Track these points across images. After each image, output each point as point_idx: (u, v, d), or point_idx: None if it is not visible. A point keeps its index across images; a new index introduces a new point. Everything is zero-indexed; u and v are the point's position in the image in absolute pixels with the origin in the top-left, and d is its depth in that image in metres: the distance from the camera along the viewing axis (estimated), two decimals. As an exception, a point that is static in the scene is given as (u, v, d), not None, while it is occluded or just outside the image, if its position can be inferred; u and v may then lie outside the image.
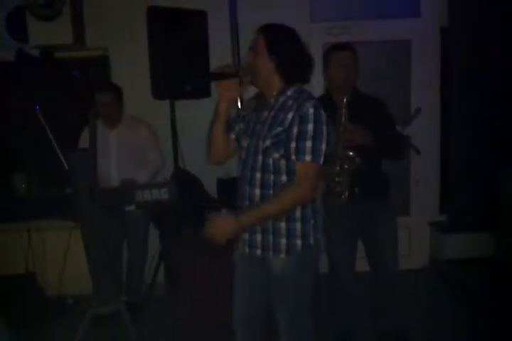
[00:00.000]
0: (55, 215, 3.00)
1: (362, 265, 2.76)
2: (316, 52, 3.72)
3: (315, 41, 3.73)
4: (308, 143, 1.77)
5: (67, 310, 3.44)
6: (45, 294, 3.48)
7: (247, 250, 1.96)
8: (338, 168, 2.45)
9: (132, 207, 2.84)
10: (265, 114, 1.90)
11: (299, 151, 1.78)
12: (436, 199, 3.90)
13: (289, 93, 1.88)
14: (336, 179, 2.46)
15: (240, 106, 2.11)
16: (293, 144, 1.79)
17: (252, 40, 1.90)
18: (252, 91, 2.01)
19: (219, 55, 3.35)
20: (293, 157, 1.80)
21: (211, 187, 3.48)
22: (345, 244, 2.64)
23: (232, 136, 2.06)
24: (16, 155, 3.79)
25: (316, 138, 1.77)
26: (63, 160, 2.76)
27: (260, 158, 1.86)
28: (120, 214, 3.18)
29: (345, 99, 2.40)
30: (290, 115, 1.81)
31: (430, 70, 3.77)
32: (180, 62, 3.00)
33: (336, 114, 2.41)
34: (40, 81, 3.72)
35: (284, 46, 1.83)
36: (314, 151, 1.78)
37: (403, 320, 2.69)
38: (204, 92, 3.08)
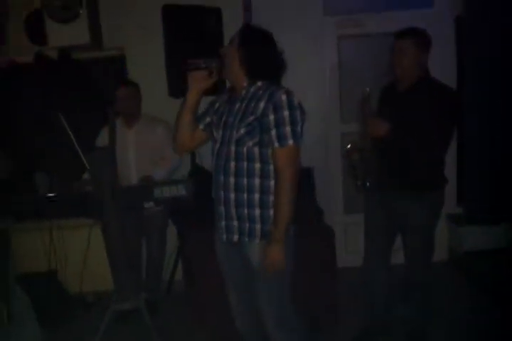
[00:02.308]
0: (76, 213, 3.04)
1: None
2: (330, 45, 3.80)
3: (328, 34, 3.75)
4: (288, 128, 1.86)
5: (88, 307, 3.50)
6: (67, 291, 3.54)
7: (224, 236, 2.03)
8: (355, 159, 2.44)
9: (151, 204, 2.87)
10: (237, 105, 1.98)
11: (281, 137, 1.87)
12: (453, 191, 3.85)
13: (259, 84, 1.96)
14: (353, 171, 2.46)
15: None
16: (273, 132, 1.87)
17: (233, 35, 2.00)
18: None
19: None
20: (276, 144, 1.87)
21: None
22: (376, 238, 2.63)
23: (201, 126, 2.13)
24: (38, 155, 3.86)
25: (293, 122, 1.86)
26: (84, 159, 2.80)
27: (233, 148, 1.94)
28: (139, 211, 3.21)
29: (367, 91, 2.38)
30: (262, 104, 1.89)
31: (446, 60, 3.72)
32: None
33: (393, 99, 2.43)
34: (58, 82, 3.79)
35: (252, 46, 1.93)
36: (294, 135, 1.87)
37: (423, 312, 2.67)
38: (219, 89, 3.09)
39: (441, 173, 2.54)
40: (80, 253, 3.36)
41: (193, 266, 3.06)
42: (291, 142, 1.87)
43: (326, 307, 2.90)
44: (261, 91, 1.93)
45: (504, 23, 3.49)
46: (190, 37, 3.07)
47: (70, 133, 3.03)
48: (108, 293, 2.97)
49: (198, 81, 2.00)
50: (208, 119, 2.13)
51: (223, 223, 2.02)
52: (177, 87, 3.14)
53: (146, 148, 3.25)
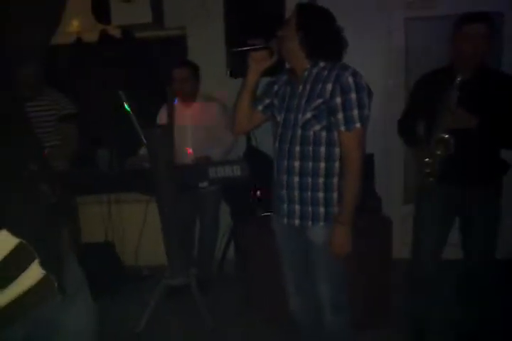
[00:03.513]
0: (134, 189, 3.13)
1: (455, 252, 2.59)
2: (397, 28, 3.64)
3: (396, 15, 3.59)
4: (355, 112, 1.82)
5: (142, 280, 3.61)
6: (122, 263, 3.67)
7: (285, 220, 2.02)
8: (430, 149, 2.34)
9: (205, 184, 2.91)
10: (300, 87, 1.94)
11: (348, 120, 1.83)
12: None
13: (321, 65, 1.91)
14: (427, 159, 2.36)
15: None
16: (340, 115, 1.84)
17: (289, 15, 1.96)
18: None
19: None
20: (342, 127, 1.84)
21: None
22: (432, 231, 2.51)
23: (260, 108, 2.11)
24: (99, 132, 3.98)
25: (360, 106, 1.82)
26: (142, 137, 2.86)
27: (299, 131, 1.91)
28: (193, 190, 3.25)
29: (459, 79, 2.23)
30: (329, 86, 1.84)
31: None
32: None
33: (447, 89, 2.27)
34: (121, 60, 3.86)
35: (311, 25, 1.87)
36: (361, 118, 1.83)
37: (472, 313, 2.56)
38: (279, 69, 3.05)
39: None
40: (136, 227, 3.46)
41: (245, 246, 3.08)
42: (358, 125, 1.83)
43: (378, 299, 2.84)
44: (326, 72, 1.88)
45: None
46: (250, 18, 3.04)
47: (131, 110, 3.10)
48: (163, 267, 3.04)
49: (258, 61, 1.98)
50: (267, 101, 2.11)
51: (285, 206, 2.01)
52: (236, 68, 3.13)
53: (202, 127, 3.28)
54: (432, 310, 2.61)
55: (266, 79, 2.16)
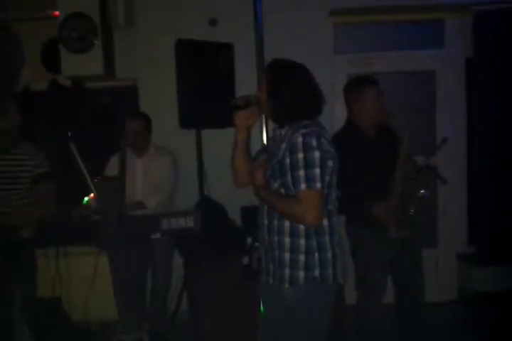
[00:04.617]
0: (81, 242, 3.06)
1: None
2: (341, 84, 3.82)
3: (339, 73, 3.81)
4: (301, 172, 1.80)
5: (91, 336, 3.47)
6: (71, 319, 3.51)
7: (264, 278, 2.03)
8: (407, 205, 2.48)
9: (158, 235, 2.88)
10: (272, 145, 2.02)
11: (295, 181, 1.83)
12: (463, 230, 3.86)
13: (290, 125, 1.93)
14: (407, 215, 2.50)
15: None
16: (288, 176, 1.85)
17: (262, 76, 2.01)
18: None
19: (245, 85, 3.43)
20: (292, 189, 1.85)
21: (236, 215, 3.51)
22: (383, 277, 2.64)
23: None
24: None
25: (307, 165, 1.80)
26: (92, 188, 2.82)
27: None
28: (145, 242, 3.22)
29: (406, 135, 2.43)
30: (283, 146, 1.88)
31: (455, 100, 3.78)
32: (207, 92, 3.08)
33: (363, 146, 2.46)
34: (71, 110, 3.85)
35: (280, 94, 1.89)
36: (308, 179, 1.80)
37: None
38: (229, 121, 3.14)
39: None
40: (85, 281, 3.35)
41: (199, 297, 3.05)
42: (303, 186, 1.80)
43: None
44: (289, 132, 1.91)
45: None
46: (202, 70, 3.14)
47: (80, 161, 3.07)
48: (112, 322, 2.94)
49: (243, 119, 2.00)
50: (262, 158, 2.12)
51: (264, 264, 2.03)
52: (188, 119, 3.19)
53: (152, 178, 3.29)
54: None
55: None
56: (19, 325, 1.18)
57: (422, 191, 2.46)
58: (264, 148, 2.16)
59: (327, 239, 1.90)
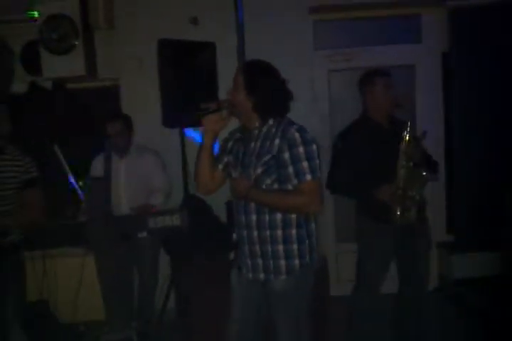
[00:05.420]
0: (68, 243, 3.06)
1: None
2: (321, 79, 3.91)
3: (319, 68, 3.86)
4: (305, 164, 1.91)
5: (79, 337, 3.46)
6: (58, 321, 3.51)
7: (250, 275, 2.05)
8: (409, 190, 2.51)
9: (144, 234, 2.90)
10: (252, 145, 2.03)
11: (299, 173, 1.92)
12: (442, 219, 3.93)
13: (270, 122, 2.01)
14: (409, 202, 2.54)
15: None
16: (290, 169, 1.92)
17: (234, 77, 2.04)
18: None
19: (227, 84, 3.45)
20: (294, 181, 1.93)
21: (221, 211, 3.53)
22: (382, 266, 2.68)
23: (220, 166, 2.17)
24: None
25: (309, 158, 1.91)
26: (78, 189, 2.83)
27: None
28: (132, 241, 3.23)
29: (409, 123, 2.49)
30: (277, 141, 1.94)
31: (433, 93, 3.85)
32: (190, 91, 3.10)
33: (376, 137, 2.56)
34: (52, 112, 3.84)
35: (260, 88, 1.97)
36: (312, 170, 1.92)
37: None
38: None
39: None
40: (72, 283, 3.35)
41: (186, 295, 3.07)
42: (309, 177, 1.91)
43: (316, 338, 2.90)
44: (274, 129, 1.98)
45: (489, 57, 3.66)
46: (184, 69, 3.15)
47: (64, 163, 3.08)
48: (100, 322, 2.95)
49: (213, 123, 2.03)
50: (225, 159, 2.16)
51: (248, 261, 2.05)
52: (170, 118, 3.20)
53: (136, 177, 3.30)
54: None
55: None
56: (14, 325, 1.20)
57: (424, 173, 2.50)
58: (226, 150, 2.18)
59: (313, 225, 2.04)
